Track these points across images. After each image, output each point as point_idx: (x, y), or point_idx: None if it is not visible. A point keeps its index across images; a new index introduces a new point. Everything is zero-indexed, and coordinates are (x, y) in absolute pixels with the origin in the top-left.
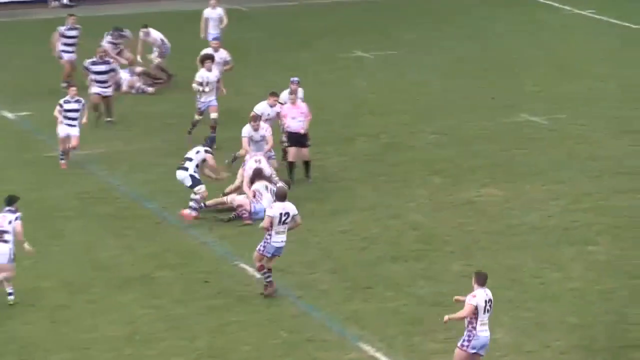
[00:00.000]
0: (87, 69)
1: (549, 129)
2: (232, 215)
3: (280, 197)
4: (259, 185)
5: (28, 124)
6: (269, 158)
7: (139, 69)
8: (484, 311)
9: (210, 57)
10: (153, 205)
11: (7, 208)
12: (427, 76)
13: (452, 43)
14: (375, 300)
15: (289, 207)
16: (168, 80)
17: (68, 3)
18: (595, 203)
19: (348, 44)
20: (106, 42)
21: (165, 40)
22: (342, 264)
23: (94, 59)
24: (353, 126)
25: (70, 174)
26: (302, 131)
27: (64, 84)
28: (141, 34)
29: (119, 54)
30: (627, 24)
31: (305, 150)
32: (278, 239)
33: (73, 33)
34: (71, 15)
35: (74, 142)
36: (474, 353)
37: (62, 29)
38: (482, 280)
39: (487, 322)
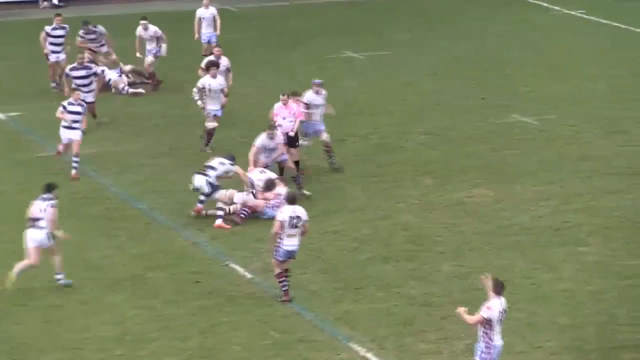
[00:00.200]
0: (67, 75)
1: (539, 129)
2: (227, 209)
3: (290, 200)
4: (280, 189)
5: (19, 124)
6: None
7: (128, 66)
8: (499, 322)
9: (216, 64)
10: (143, 206)
11: (43, 195)
12: (418, 76)
13: (445, 43)
14: (366, 301)
15: (299, 210)
16: (156, 85)
17: (58, 4)
18: (586, 203)
19: (339, 44)
20: (79, 37)
21: (164, 37)
22: (333, 265)
23: (75, 65)
24: (343, 127)
25: (61, 174)
26: (291, 133)
27: (53, 84)
28: (140, 27)
29: (105, 55)
30: (616, 24)
31: (294, 150)
32: (289, 242)
33: (59, 32)
34: (57, 15)
35: (75, 149)
36: None
37: (48, 28)
38: (499, 289)
39: (501, 330)
